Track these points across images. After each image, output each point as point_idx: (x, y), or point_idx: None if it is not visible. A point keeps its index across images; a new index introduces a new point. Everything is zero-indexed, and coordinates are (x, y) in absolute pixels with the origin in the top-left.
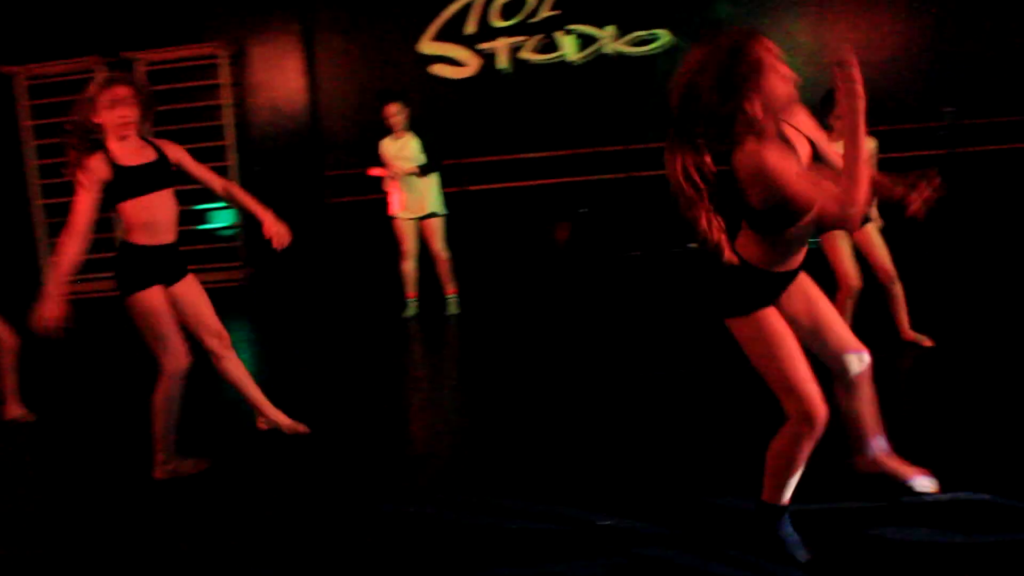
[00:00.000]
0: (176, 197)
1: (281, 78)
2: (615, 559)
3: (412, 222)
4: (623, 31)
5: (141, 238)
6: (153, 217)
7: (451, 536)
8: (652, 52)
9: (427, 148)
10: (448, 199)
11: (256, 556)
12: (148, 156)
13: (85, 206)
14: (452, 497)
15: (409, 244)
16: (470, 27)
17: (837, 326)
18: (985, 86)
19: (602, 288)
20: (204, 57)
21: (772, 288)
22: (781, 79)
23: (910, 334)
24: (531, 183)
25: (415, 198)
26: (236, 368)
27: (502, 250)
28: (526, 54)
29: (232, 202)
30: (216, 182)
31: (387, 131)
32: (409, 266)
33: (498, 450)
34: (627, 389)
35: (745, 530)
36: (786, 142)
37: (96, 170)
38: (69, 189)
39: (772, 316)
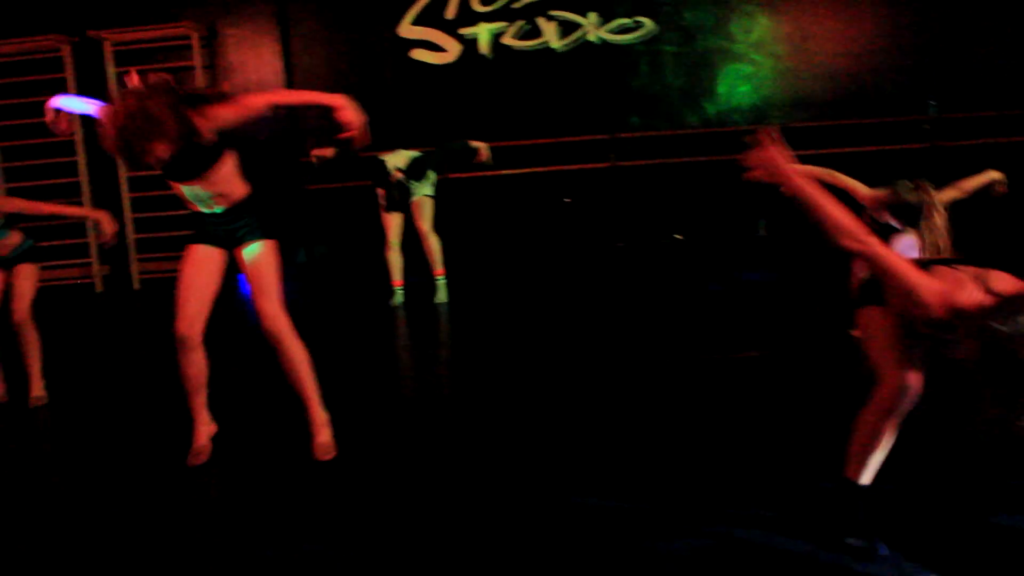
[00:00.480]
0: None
1: (255, 61)
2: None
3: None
4: (606, 18)
5: None
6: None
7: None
8: (635, 40)
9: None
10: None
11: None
12: None
13: None
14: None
15: (394, 233)
16: (451, 12)
17: None
18: (968, 80)
19: (586, 279)
20: (175, 38)
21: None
22: None
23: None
24: (513, 171)
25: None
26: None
27: (485, 239)
28: (508, 40)
29: None
30: None
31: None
32: (394, 254)
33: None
34: (628, 378)
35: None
36: None
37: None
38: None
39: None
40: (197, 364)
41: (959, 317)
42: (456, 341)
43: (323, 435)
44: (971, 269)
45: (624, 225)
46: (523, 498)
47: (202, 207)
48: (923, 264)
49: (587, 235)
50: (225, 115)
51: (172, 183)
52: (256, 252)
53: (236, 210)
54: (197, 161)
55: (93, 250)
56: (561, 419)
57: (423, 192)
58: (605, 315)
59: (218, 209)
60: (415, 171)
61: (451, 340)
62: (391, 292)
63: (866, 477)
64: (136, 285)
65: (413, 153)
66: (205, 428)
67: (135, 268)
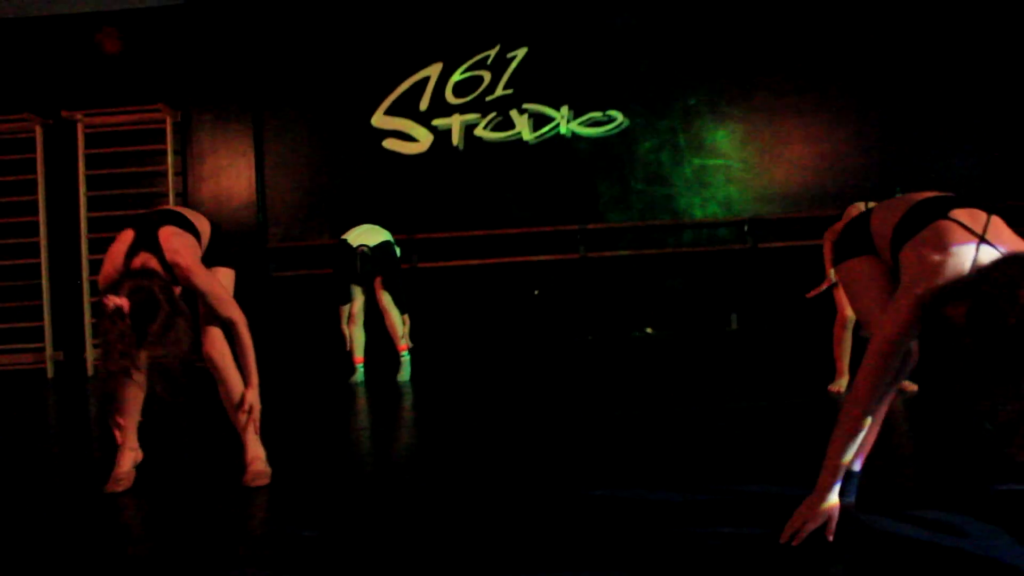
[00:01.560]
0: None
1: (227, 147)
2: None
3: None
4: (577, 112)
5: None
6: None
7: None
8: (607, 133)
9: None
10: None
11: None
12: None
13: None
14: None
15: (356, 306)
16: (424, 103)
17: None
18: (930, 176)
19: (553, 370)
20: (149, 122)
21: None
22: None
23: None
24: (483, 261)
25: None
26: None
27: (453, 328)
28: (481, 132)
29: None
30: None
31: (334, 203)
32: (357, 330)
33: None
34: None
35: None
36: None
37: None
38: None
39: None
40: (134, 384)
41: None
42: (417, 421)
43: (255, 463)
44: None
45: (593, 318)
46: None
47: None
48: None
49: (556, 327)
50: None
51: None
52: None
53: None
54: None
55: (47, 335)
56: (511, 502)
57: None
58: (568, 401)
59: None
60: (380, 256)
61: (413, 420)
62: (352, 370)
63: (856, 460)
64: (90, 371)
65: (384, 235)
66: (131, 454)
67: (90, 354)
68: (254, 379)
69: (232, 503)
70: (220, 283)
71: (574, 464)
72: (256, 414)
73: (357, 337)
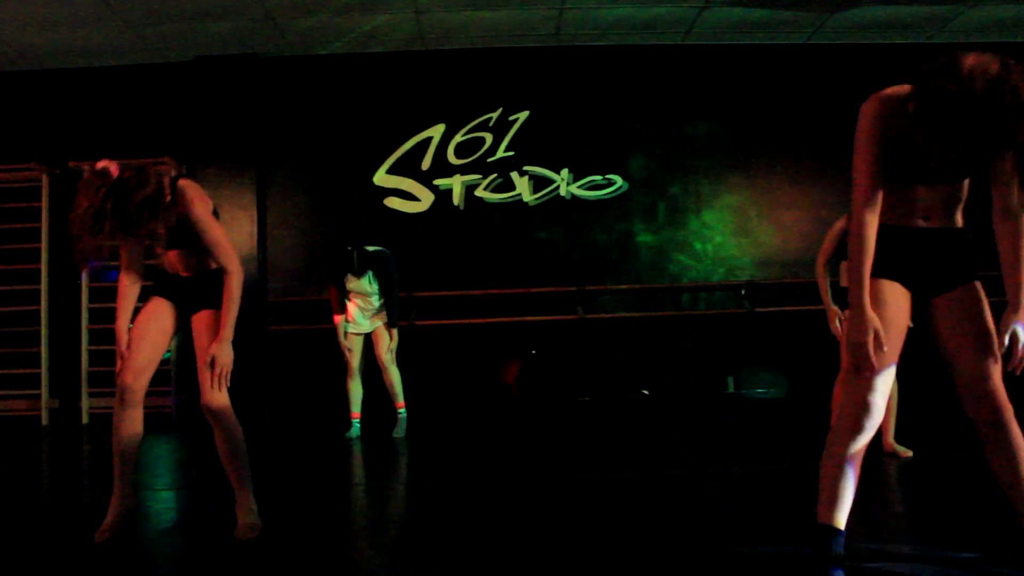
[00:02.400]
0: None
1: (231, 202)
2: None
3: (359, 337)
4: (577, 175)
5: None
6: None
7: None
8: (606, 196)
9: (384, 279)
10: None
11: None
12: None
13: None
14: None
15: (354, 361)
16: (427, 163)
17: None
18: None
19: (549, 430)
20: None
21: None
22: None
23: (890, 444)
24: (482, 320)
25: (367, 314)
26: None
27: (450, 386)
28: (482, 192)
29: None
30: None
31: (334, 256)
32: (354, 384)
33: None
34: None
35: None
36: None
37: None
38: None
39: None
40: (133, 424)
41: None
42: (412, 478)
43: (247, 516)
44: None
45: (590, 378)
46: None
47: (173, 271)
48: None
49: (552, 387)
50: (196, 212)
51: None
52: (209, 320)
53: (204, 276)
54: (186, 231)
55: (43, 382)
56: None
57: (381, 323)
58: (558, 462)
59: (192, 274)
60: (377, 258)
61: (407, 477)
62: (348, 424)
63: (840, 518)
64: (85, 419)
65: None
66: (124, 502)
67: (85, 402)
68: (226, 332)
69: (221, 558)
70: (226, 233)
71: (561, 523)
72: (220, 368)
73: (354, 392)
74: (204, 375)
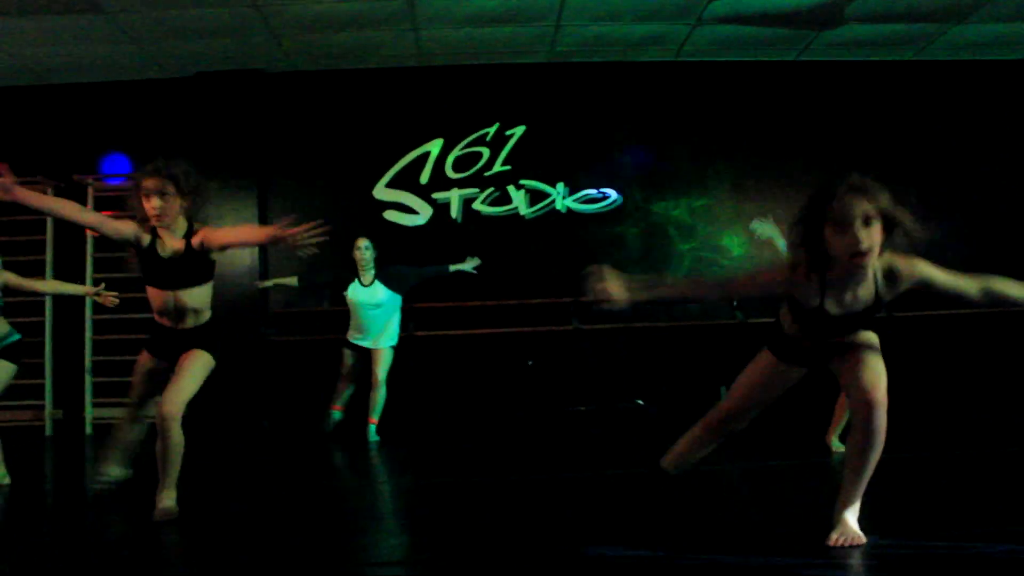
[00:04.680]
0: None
1: (232, 213)
2: None
3: (358, 349)
4: (573, 188)
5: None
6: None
7: None
8: (602, 210)
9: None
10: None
11: None
12: (177, 247)
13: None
14: None
15: (347, 366)
16: (425, 177)
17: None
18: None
19: (543, 440)
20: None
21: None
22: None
23: (830, 439)
24: (479, 331)
25: (373, 328)
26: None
27: (447, 396)
28: (479, 205)
29: None
30: None
31: (337, 269)
32: (343, 386)
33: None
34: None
35: None
36: None
37: (123, 229)
38: None
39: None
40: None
41: None
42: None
43: (165, 502)
44: None
45: (585, 388)
46: None
47: (170, 321)
48: None
49: (548, 398)
50: (222, 239)
51: (154, 289)
52: (192, 356)
53: (198, 331)
54: (195, 269)
55: (47, 392)
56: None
57: (386, 344)
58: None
59: (185, 326)
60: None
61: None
62: (354, 433)
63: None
64: (88, 430)
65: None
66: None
67: (89, 413)
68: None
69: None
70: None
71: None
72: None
73: (343, 391)
74: (170, 388)
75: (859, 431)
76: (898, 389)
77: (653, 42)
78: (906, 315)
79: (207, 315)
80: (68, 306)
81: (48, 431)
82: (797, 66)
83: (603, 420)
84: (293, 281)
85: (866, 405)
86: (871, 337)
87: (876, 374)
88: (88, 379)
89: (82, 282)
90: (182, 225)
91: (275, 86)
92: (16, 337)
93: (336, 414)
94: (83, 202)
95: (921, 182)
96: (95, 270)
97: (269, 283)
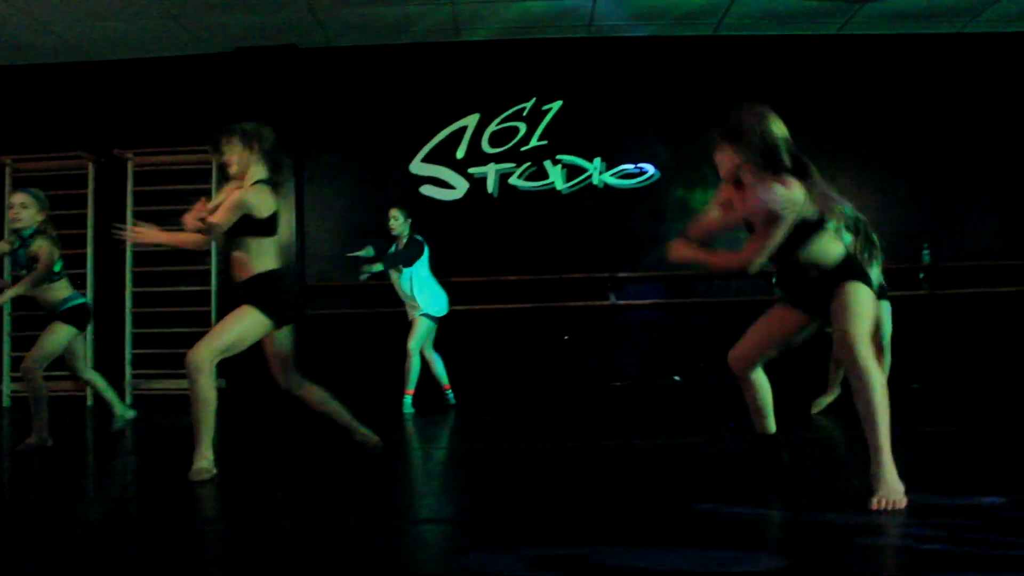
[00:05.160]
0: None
1: None
2: None
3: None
4: (610, 164)
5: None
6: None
7: None
8: (639, 185)
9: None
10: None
11: None
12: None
13: None
14: None
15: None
16: (461, 152)
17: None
18: (959, 231)
19: (579, 416)
20: (196, 163)
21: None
22: None
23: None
24: (515, 306)
25: (410, 298)
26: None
27: (485, 369)
28: (515, 180)
29: None
30: None
31: (372, 241)
32: (409, 363)
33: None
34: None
35: None
36: None
37: None
38: None
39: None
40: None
41: None
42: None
43: (199, 462)
44: None
45: (622, 364)
46: None
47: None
48: None
49: (584, 373)
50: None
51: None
52: (236, 311)
53: (247, 285)
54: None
55: (89, 363)
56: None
57: (419, 313)
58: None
59: (239, 278)
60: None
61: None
62: (391, 405)
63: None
64: (128, 400)
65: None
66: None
67: (129, 383)
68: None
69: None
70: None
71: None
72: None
73: (410, 369)
74: (200, 340)
75: (848, 375)
76: (945, 366)
77: (691, 16)
78: (946, 293)
79: (258, 269)
80: (108, 279)
81: (89, 402)
82: (838, 40)
83: (639, 395)
84: (369, 251)
85: (839, 344)
86: (856, 287)
87: (851, 314)
88: (128, 350)
89: (122, 272)
90: (254, 175)
91: (313, 61)
92: (79, 300)
93: (408, 399)
94: (123, 177)
95: (966, 157)
96: (134, 264)
97: (362, 253)
